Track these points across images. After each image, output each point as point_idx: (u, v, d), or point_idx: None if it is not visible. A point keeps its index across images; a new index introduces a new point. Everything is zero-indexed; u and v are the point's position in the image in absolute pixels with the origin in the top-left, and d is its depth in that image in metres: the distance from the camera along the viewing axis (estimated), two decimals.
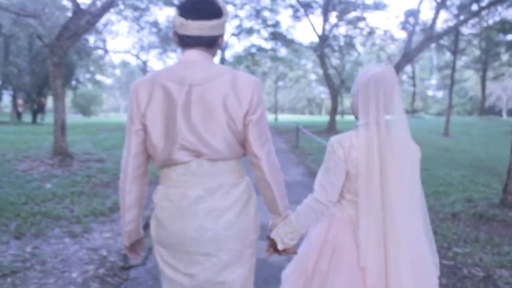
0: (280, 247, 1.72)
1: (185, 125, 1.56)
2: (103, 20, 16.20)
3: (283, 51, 30.92)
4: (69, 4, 20.62)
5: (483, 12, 23.33)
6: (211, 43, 1.65)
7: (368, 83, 1.69)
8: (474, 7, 23.60)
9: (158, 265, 1.74)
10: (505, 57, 33.25)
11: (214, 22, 1.59)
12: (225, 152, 1.60)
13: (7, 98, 34.29)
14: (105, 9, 8.63)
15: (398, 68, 12.71)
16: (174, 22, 1.62)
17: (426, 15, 63.40)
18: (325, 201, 1.69)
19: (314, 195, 1.71)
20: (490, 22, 27.16)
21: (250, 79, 1.63)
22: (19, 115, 27.81)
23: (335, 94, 21.50)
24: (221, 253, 1.63)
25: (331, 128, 20.56)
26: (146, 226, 1.96)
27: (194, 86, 1.57)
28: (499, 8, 25.04)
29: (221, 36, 1.68)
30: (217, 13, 1.61)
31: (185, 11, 1.58)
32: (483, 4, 21.58)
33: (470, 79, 44.56)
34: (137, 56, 26.42)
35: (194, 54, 1.63)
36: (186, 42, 1.63)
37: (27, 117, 28.84)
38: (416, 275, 1.64)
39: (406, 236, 1.64)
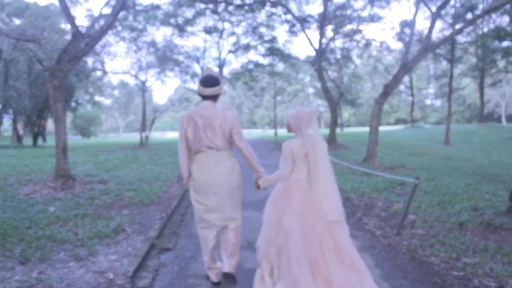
0: (262, 188, 3.54)
1: (204, 135, 3.49)
2: (101, 41, 16.30)
3: (280, 66, 31.10)
4: (67, 28, 20.85)
5: (478, 20, 23.54)
6: (215, 98, 3.59)
7: (302, 117, 3.38)
8: (469, 15, 23.83)
9: (192, 202, 3.67)
10: (501, 63, 33.45)
11: (216, 88, 3.55)
12: (223, 147, 3.53)
13: (7, 122, 34.36)
14: (103, 31, 8.69)
15: (397, 79, 12.61)
16: (198, 88, 3.57)
17: (421, 25, 63.80)
18: (285, 173, 3.39)
19: (280, 170, 3.39)
20: (485, 30, 27.39)
21: (232, 114, 3.53)
22: (19, 138, 27.81)
23: (334, 107, 21.02)
24: (222, 191, 3.53)
25: (332, 141, 19.42)
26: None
27: (207, 118, 3.49)
28: (493, 16, 25.27)
29: (219, 93, 3.59)
30: (217, 83, 3.55)
31: (203, 83, 3.53)
32: (478, 12, 21.76)
33: (467, 86, 44.66)
34: (136, 76, 26.43)
35: (207, 103, 3.56)
36: (203, 97, 3.57)
37: (27, 141, 28.81)
38: (335, 203, 3.30)
39: (328, 182, 3.32)
